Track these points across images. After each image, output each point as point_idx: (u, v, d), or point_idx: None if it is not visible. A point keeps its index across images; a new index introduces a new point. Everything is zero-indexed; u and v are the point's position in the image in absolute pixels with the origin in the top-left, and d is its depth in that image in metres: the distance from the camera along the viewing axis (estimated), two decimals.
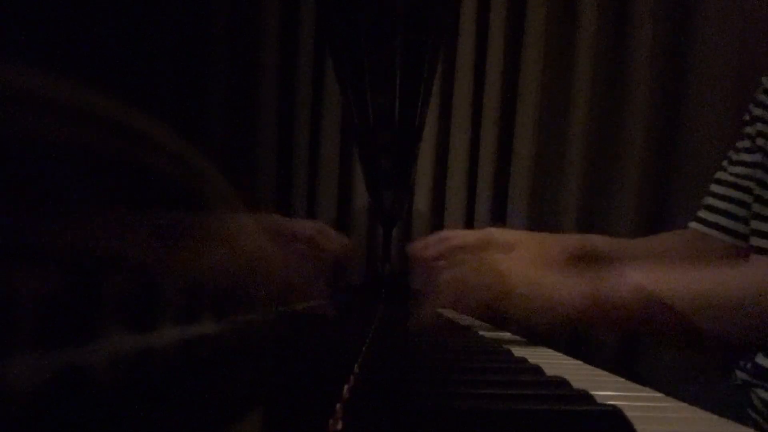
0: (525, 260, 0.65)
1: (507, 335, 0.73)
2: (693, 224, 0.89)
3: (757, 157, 0.80)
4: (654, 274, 0.62)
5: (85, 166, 0.11)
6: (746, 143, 0.85)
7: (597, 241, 0.85)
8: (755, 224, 0.79)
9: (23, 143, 0.10)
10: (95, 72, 0.12)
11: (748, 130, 0.84)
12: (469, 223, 1.43)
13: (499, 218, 1.41)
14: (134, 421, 0.13)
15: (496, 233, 0.83)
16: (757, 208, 0.79)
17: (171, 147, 0.15)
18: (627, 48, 1.38)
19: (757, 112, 0.82)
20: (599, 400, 0.30)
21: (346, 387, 0.31)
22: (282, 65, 1.41)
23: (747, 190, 0.83)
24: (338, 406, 0.27)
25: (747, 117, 0.85)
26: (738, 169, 0.85)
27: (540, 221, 1.40)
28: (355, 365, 0.37)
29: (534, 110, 1.40)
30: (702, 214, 0.88)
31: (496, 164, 1.42)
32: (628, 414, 0.27)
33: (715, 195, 0.87)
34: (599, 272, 0.62)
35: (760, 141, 0.80)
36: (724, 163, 0.88)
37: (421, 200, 1.44)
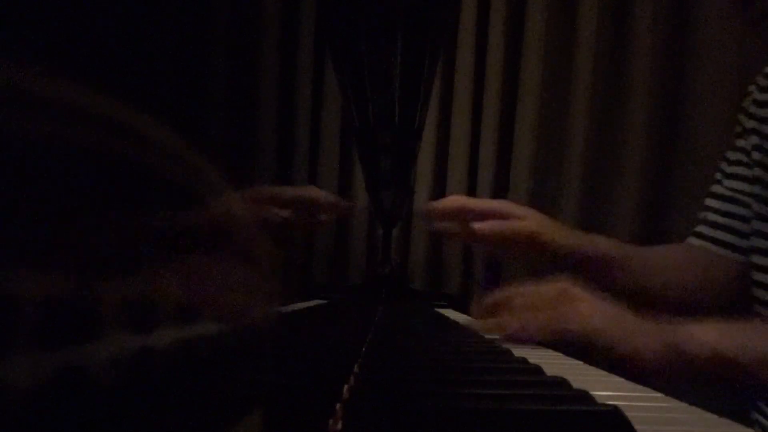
0: (602, 301, 0.64)
1: None
2: (693, 240, 0.87)
3: (756, 172, 0.78)
4: (728, 334, 0.61)
5: (85, 166, 0.11)
6: (739, 155, 0.83)
7: (602, 243, 0.84)
8: (756, 241, 0.77)
9: (23, 143, 0.10)
10: (95, 72, 0.12)
11: (742, 143, 0.82)
12: None
13: None
14: (134, 421, 0.13)
15: (515, 209, 0.83)
16: (757, 224, 0.77)
17: (172, 148, 0.15)
18: (627, 48, 1.38)
19: (751, 124, 0.80)
20: (599, 400, 0.30)
21: (346, 387, 0.31)
22: (282, 65, 1.41)
23: (746, 205, 0.81)
24: (338, 406, 0.27)
25: (739, 129, 0.83)
26: (735, 183, 0.83)
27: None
28: (355, 365, 0.37)
29: (534, 110, 1.40)
30: (702, 229, 0.86)
31: (496, 164, 1.42)
32: (628, 414, 0.27)
33: (714, 210, 0.85)
34: (673, 324, 0.61)
35: (756, 155, 0.78)
36: (718, 175, 0.86)
37: (421, 200, 1.44)
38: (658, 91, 1.37)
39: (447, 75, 1.43)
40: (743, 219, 0.81)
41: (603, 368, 0.49)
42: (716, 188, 0.86)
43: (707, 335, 0.60)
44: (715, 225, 0.84)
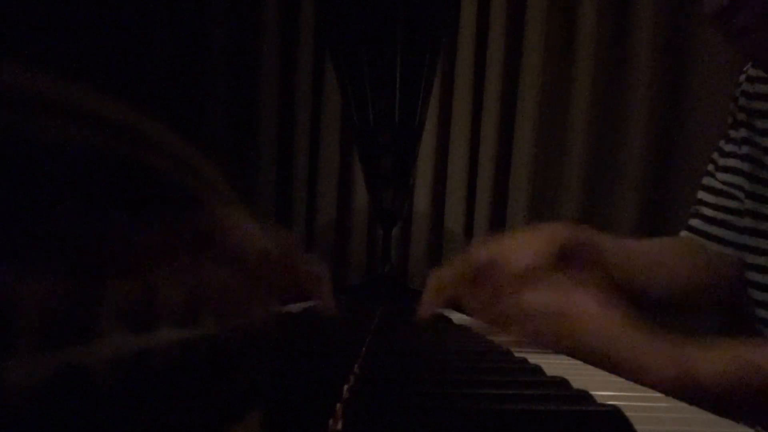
0: (608, 311, 0.56)
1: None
2: (686, 233, 0.82)
3: (746, 166, 0.76)
4: (750, 363, 0.54)
5: (85, 166, 0.11)
6: (733, 147, 0.79)
7: (592, 236, 0.76)
8: (748, 239, 0.75)
9: (23, 143, 0.10)
10: (96, 72, 0.12)
11: (734, 134, 0.79)
12: (469, 223, 1.43)
13: (499, 218, 1.41)
14: (134, 421, 0.13)
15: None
16: (749, 222, 0.75)
17: (172, 148, 0.15)
18: (627, 47, 1.39)
19: (741, 116, 0.77)
20: (599, 400, 0.30)
21: (346, 387, 0.31)
22: (282, 65, 1.41)
23: (741, 199, 0.77)
24: (338, 406, 0.27)
25: (731, 120, 0.80)
26: (728, 177, 0.79)
27: (540, 221, 1.40)
28: (355, 365, 0.37)
29: (534, 110, 1.40)
30: (695, 223, 0.82)
31: (496, 164, 1.42)
32: (628, 414, 0.27)
33: (708, 204, 0.81)
34: (687, 344, 0.54)
35: (745, 149, 0.76)
36: (711, 167, 0.82)
37: (421, 200, 1.44)
38: (659, 90, 1.37)
39: (447, 75, 1.43)
40: (738, 213, 0.78)
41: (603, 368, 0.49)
42: (709, 181, 0.82)
43: (725, 364, 0.53)
44: (708, 220, 0.80)
